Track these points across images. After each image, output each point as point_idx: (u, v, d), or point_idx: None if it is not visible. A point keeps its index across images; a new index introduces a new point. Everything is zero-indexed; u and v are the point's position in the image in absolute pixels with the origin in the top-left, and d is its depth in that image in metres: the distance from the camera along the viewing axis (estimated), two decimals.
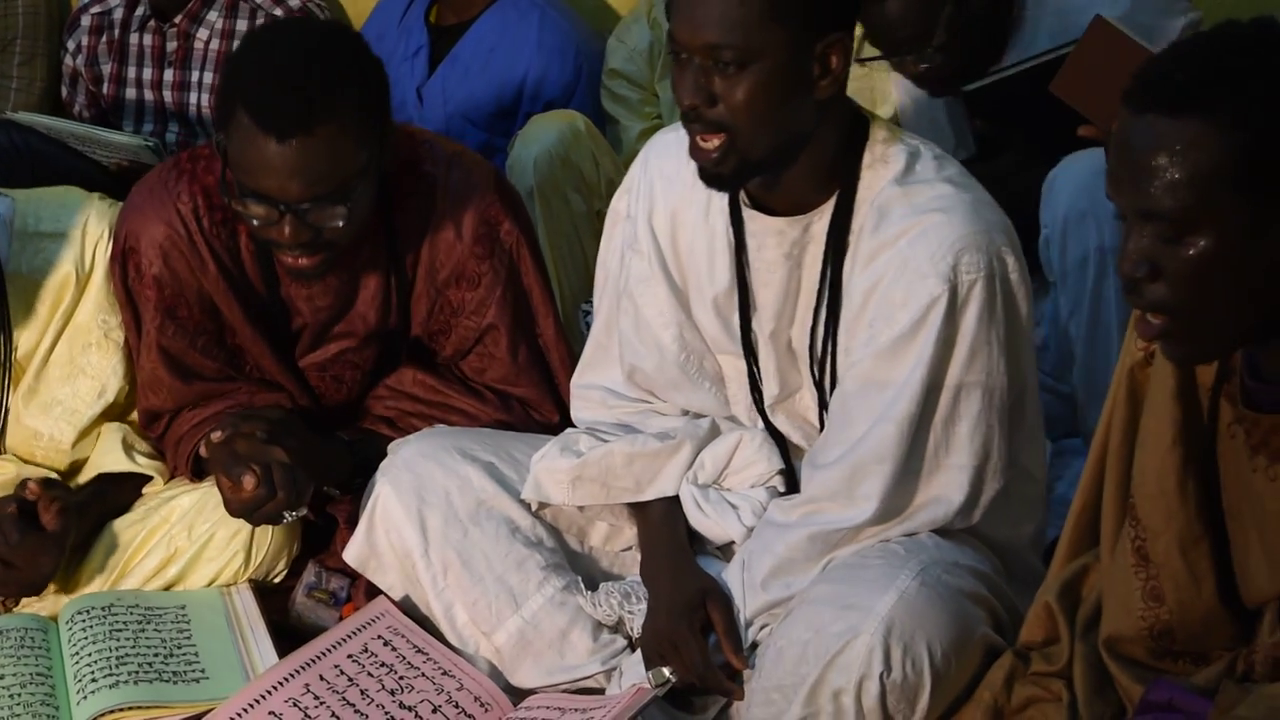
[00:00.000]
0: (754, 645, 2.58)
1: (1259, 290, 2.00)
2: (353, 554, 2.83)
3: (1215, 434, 2.16)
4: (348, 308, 2.97)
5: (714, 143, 2.45)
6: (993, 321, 2.49)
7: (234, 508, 2.81)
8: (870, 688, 2.39)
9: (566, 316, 3.59)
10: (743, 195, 2.61)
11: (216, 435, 2.83)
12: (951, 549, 2.55)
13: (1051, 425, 3.31)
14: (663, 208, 2.70)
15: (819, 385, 2.63)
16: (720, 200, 2.62)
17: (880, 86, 3.76)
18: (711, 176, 2.50)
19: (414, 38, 4.01)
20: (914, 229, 2.49)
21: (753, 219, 2.60)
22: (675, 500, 2.74)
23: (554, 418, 2.98)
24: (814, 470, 2.59)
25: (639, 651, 2.67)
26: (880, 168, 2.54)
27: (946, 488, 2.54)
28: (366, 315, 2.98)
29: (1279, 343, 2.05)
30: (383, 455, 2.85)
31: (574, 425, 2.89)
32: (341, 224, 2.74)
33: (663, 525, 2.73)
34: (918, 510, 2.55)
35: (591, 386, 2.85)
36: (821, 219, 2.56)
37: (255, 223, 2.75)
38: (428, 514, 2.76)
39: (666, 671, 2.57)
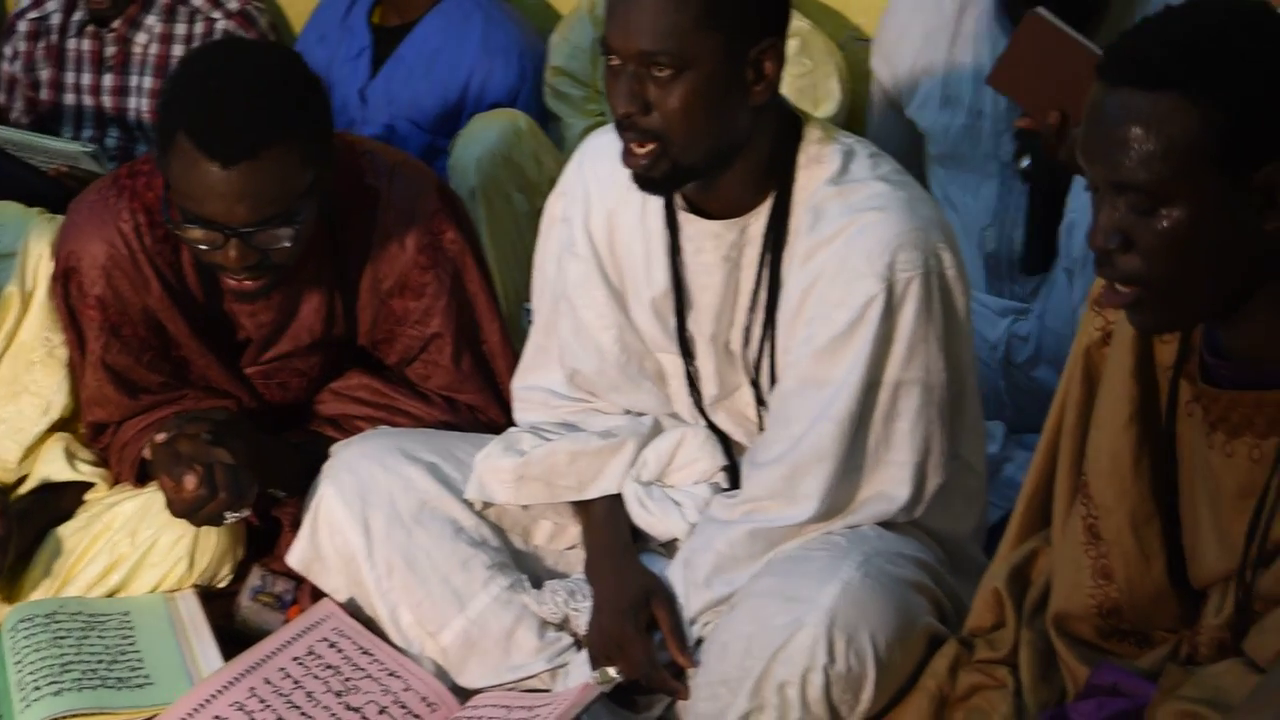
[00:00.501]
0: (698, 641, 2.57)
1: (1229, 263, 2.01)
2: (296, 557, 2.81)
3: (1175, 413, 2.17)
4: (290, 321, 2.96)
5: (648, 149, 2.45)
6: (930, 319, 2.50)
7: (176, 508, 2.79)
8: (815, 679, 2.39)
9: (511, 315, 3.58)
10: (678, 199, 2.60)
11: (160, 436, 2.82)
12: (894, 540, 2.55)
13: (1016, 419, 3.33)
14: (599, 210, 2.69)
15: (756, 384, 2.63)
16: (656, 202, 2.62)
17: (823, 84, 3.77)
18: (645, 182, 2.49)
19: (357, 39, 4.00)
20: (850, 228, 2.49)
21: (689, 222, 2.60)
22: (619, 498, 2.73)
23: (501, 419, 2.97)
24: (754, 469, 2.59)
25: (585, 649, 2.66)
26: (815, 168, 2.54)
27: (889, 484, 2.54)
28: (311, 327, 2.97)
29: (1241, 318, 2.06)
30: (329, 457, 2.84)
31: (513, 390, 2.88)
32: (288, 245, 2.72)
33: (606, 524, 2.72)
34: (861, 506, 2.55)
35: (533, 388, 2.84)
36: (758, 220, 2.56)
37: (201, 248, 2.73)
38: (371, 515, 2.75)
39: (612, 671, 2.57)
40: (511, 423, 2.91)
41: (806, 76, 3.72)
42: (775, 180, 2.55)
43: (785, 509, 2.53)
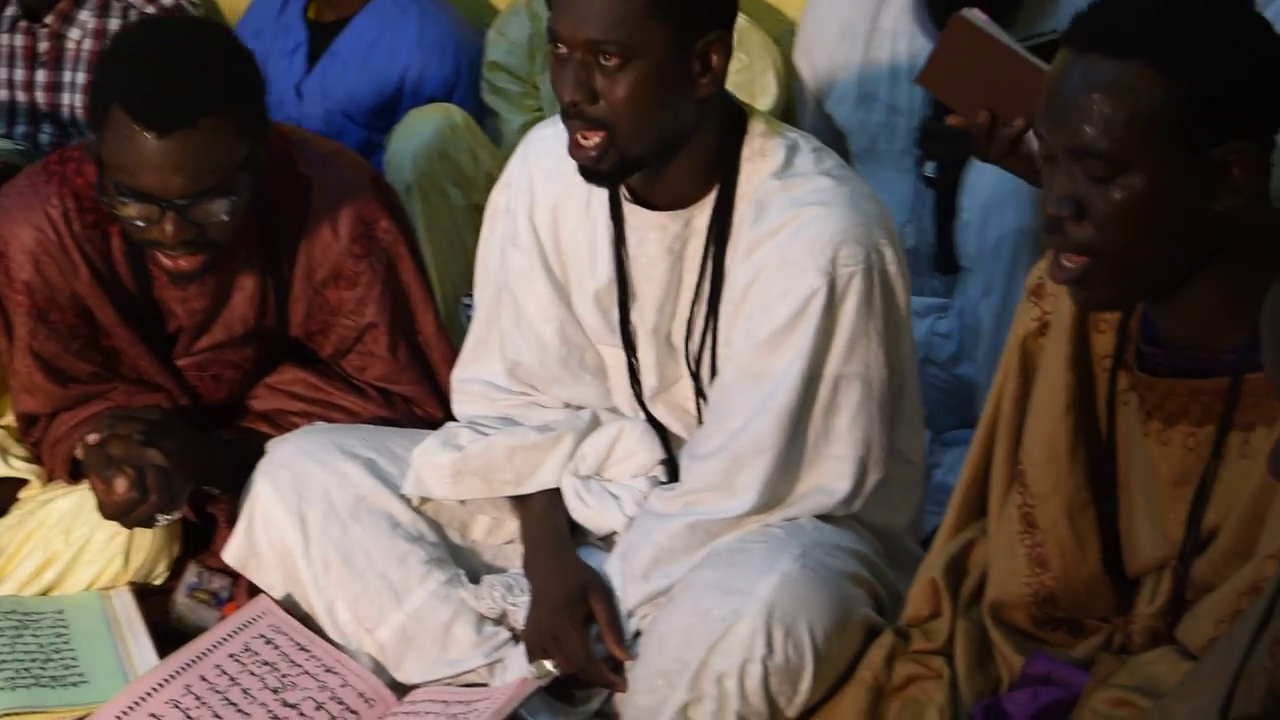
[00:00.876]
0: (636, 634, 2.58)
1: (1179, 239, 2.02)
2: (232, 553, 2.80)
3: (1115, 402, 2.18)
4: (222, 308, 2.95)
5: (594, 140, 2.45)
6: (871, 313, 2.51)
7: (107, 511, 2.78)
8: (753, 670, 2.40)
9: (448, 311, 3.57)
10: (623, 190, 2.60)
11: (92, 437, 2.80)
12: (832, 532, 2.56)
13: (940, 418, 3.35)
14: (543, 202, 2.69)
15: (696, 376, 2.64)
16: (600, 194, 2.62)
17: (760, 79, 3.77)
18: (591, 173, 2.49)
19: (292, 34, 3.98)
20: (793, 222, 2.50)
21: (633, 214, 2.60)
22: (557, 492, 2.73)
23: (437, 413, 2.96)
24: (693, 461, 2.59)
25: (522, 644, 2.66)
26: (760, 161, 2.55)
27: (828, 477, 2.55)
28: (244, 316, 2.95)
29: (1180, 303, 2.08)
30: (264, 454, 2.83)
31: (452, 383, 2.87)
32: (225, 219, 2.71)
33: (544, 518, 2.72)
34: (800, 499, 2.56)
35: (472, 380, 2.84)
36: (702, 213, 2.57)
37: (137, 224, 2.71)
38: (307, 511, 2.74)
39: (549, 664, 2.57)
40: (449, 416, 2.90)
41: (743, 72, 3.72)
42: (720, 173, 2.55)
43: (724, 501, 2.54)
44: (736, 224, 2.55)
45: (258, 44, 3.99)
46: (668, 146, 2.49)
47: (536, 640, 2.61)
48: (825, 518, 2.58)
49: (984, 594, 2.33)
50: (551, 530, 2.70)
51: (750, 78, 3.73)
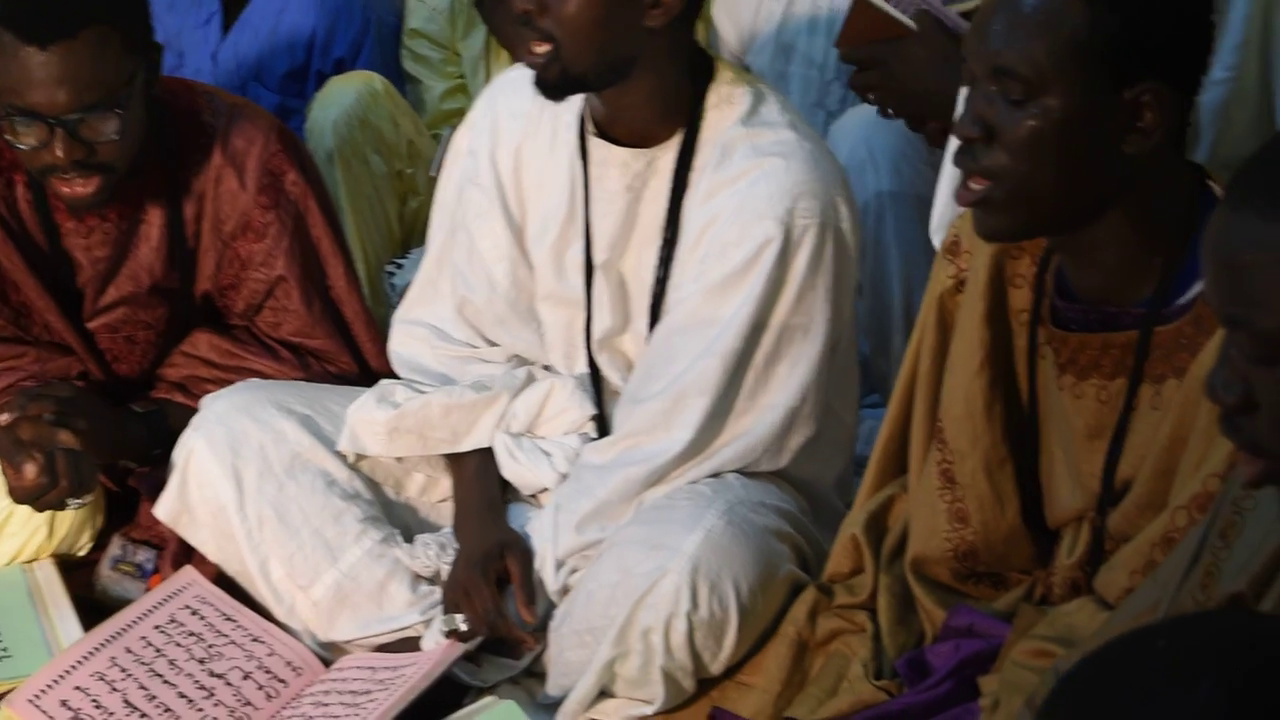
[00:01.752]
0: (565, 590, 2.58)
1: (1085, 173, 2.03)
2: (164, 509, 2.78)
3: (1035, 357, 2.20)
4: (126, 257, 2.93)
5: (541, 50, 2.49)
6: (821, 268, 2.53)
7: (16, 496, 2.77)
8: (678, 625, 2.42)
9: (371, 278, 3.56)
10: (589, 124, 2.63)
11: (3, 418, 2.78)
12: (757, 489, 2.57)
13: None
14: (506, 143, 2.72)
15: (654, 317, 2.64)
16: (567, 133, 2.65)
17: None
18: (539, 83, 2.53)
19: (205, 5, 3.95)
20: (754, 170, 2.53)
21: (597, 147, 2.63)
22: (490, 452, 2.73)
23: (353, 369, 2.95)
24: (634, 405, 2.61)
25: None
26: (726, 107, 2.58)
27: (757, 424, 2.57)
28: (151, 267, 2.93)
29: (1087, 253, 2.09)
30: (179, 425, 2.81)
31: (376, 377, 2.87)
32: (116, 138, 2.71)
33: (476, 479, 2.73)
34: (727, 445, 2.57)
35: (418, 323, 2.84)
36: (666, 154, 2.59)
37: (25, 146, 2.71)
38: (242, 468, 2.73)
39: (459, 619, 2.57)
40: (364, 372, 2.91)
41: None
42: (684, 116, 2.58)
43: (660, 441, 2.55)
44: (699, 167, 2.57)
45: (171, 17, 3.98)
46: (613, 69, 2.51)
47: (449, 594, 2.63)
48: (751, 474, 2.59)
49: (905, 549, 2.35)
50: (482, 491, 2.71)
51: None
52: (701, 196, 2.56)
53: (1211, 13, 2.06)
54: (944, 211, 2.57)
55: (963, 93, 2.12)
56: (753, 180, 2.53)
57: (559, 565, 2.59)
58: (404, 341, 2.85)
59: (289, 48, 3.85)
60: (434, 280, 2.83)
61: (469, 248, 2.75)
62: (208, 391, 2.89)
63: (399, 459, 2.78)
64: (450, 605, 2.62)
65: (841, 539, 2.43)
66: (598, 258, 2.66)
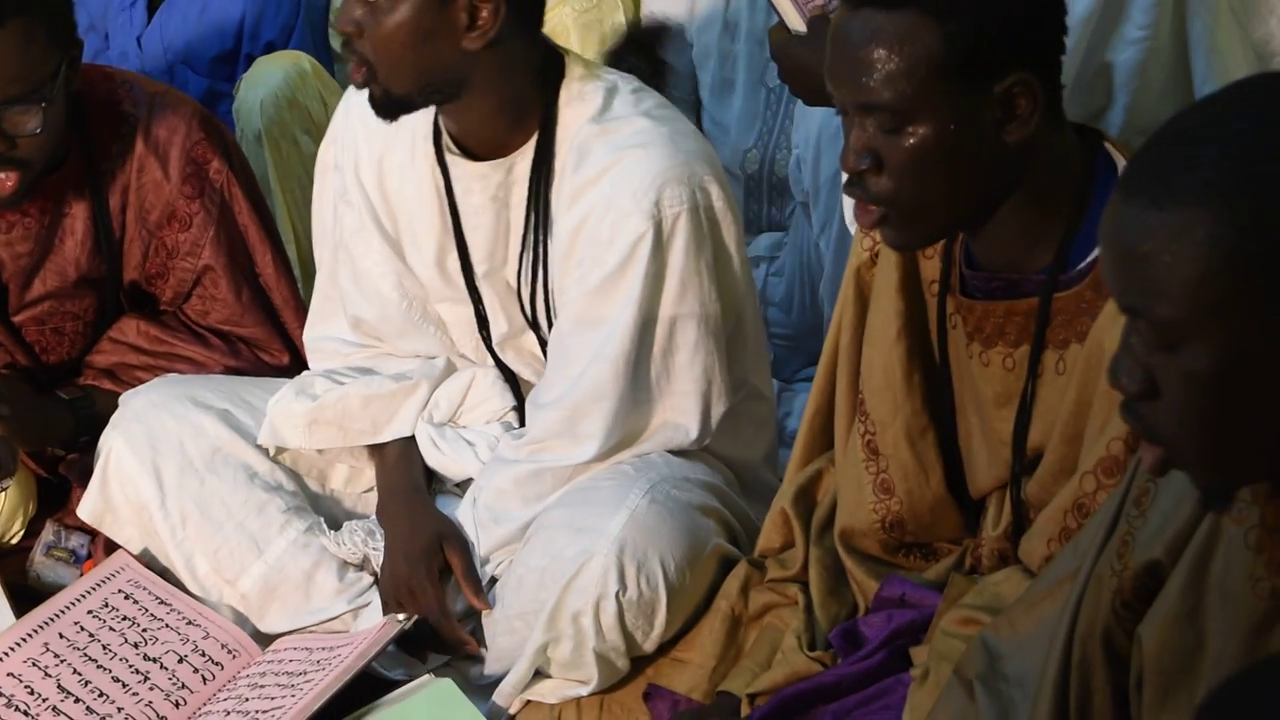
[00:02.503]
0: (493, 580, 2.59)
1: (974, 176, 2.04)
2: (87, 510, 2.77)
3: (945, 326, 2.21)
4: (51, 252, 2.91)
5: (361, 73, 2.49)
6: (700, 252, 2.51)
7: None
8: (608, 607, 2.42)
9: (303, 260, 3.54)
10: (446, 140, 2.61)
11: None
12: (682, 465, 2.58)
13: (785, 362, 3.38)
14: (368, 156, 2.69)
15: (534, 325, 2.64)
16: (425, 145, 2.62)
17: (609, 18, 3.76)
18: (370, 103, 2.52)
19: None
20: (615, 167, 2.50)
21: (455, 164, 2.61)
22: (412, 440, 2.73)
23: (283, 358, 2.95)
24: (537, 410, 2.60)
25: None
26: (578, 105, 2.55)
27: (675, 413, 2.57)
28: (77, 260, 2.91)
29: (991, 229, 2.10)
30: (107, 411, 2.80)
31: (307, 364, 2.86)
32: (38, 132, 2.69)
33: (398, 466, 2.72)
34: (650, 437, 2.57)
35: (324, 338, 2.83)
36: (523, 161, 2.57)
37: None
38: (162, 465, 2.72)
39: (401, 618, 2.57)
40: (295, 360, 2.90)
41: (592, 11, 3.71)
42: (538, 119, 2.55)
43: (568, 449, 2.55)
44: (558, 170, 2.55)
45: (96, 0, 3.95)
46: (437, 90, 2.49)
47: (391, 591, 2.62)
48: (678, 452, 2.59)
49: (833, 526, 2.36)
50: (405, 477, 2.70)
51: (599, 17, 3.73)
52: (567, 200, 2.54)
53: None
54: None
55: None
56: (614, 177, 2.50)
57: (483, 562, 2.59)
58: (318, 360, 2.84)
59: (218, 31, 3.82)
60: (329, 295, 2.81)
61: (352, 267, 2.73)
62: (137, 378, 2.88)
63: (321, 450, 2.77)
64: (392, 604, 2.61)
65: (771, 514, 2.44)
66: (478, 269, 2.65)
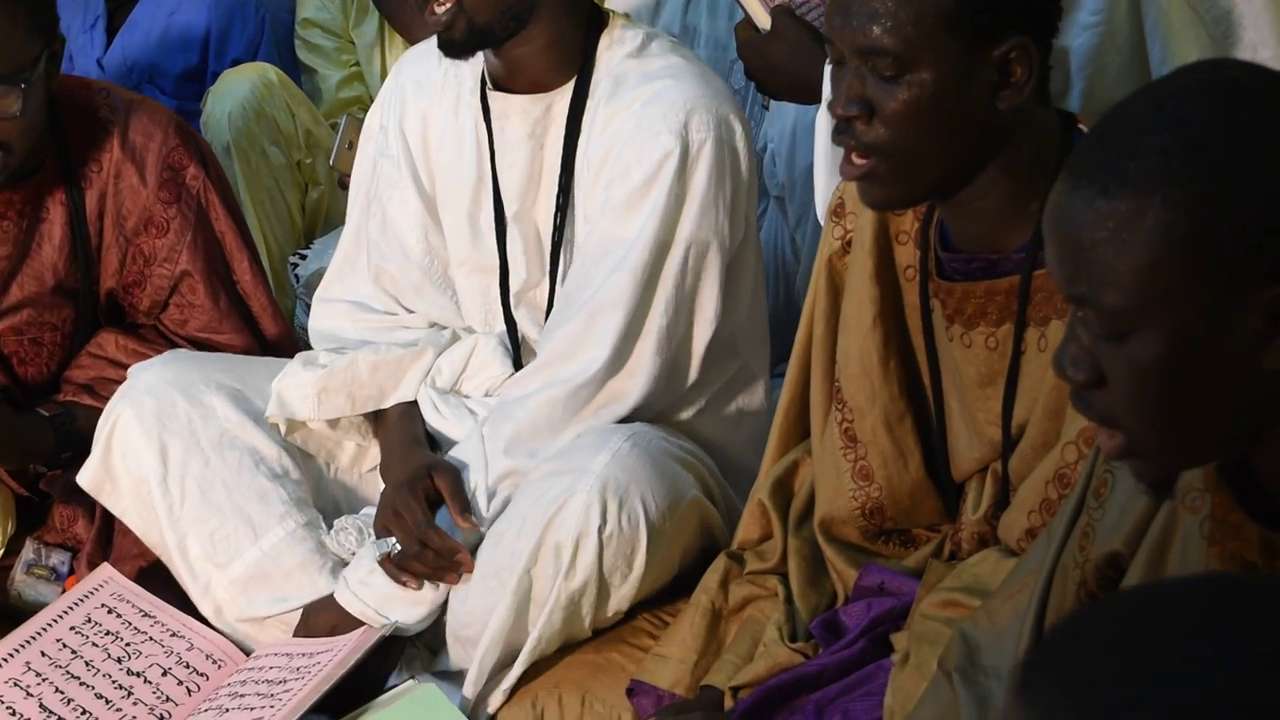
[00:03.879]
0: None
1: (963, 136, 2.05)
2: (87, 477, 2.74)
3: (929, 309, 2.22)
4: (29, 256, 2.91)
5: (445, 7, 2.54)
6: (721, 183, 2.57)
7: None
8: (587, 544, 2.44)
9: (275, 270, 3.55)
10: (488, 79, 2.68)
11: None
12: (665, 430, 2.60)
13: None
14: (414, 112, 2.76)
15: (554, 270, 2.67)
16: (469, 96, 2.70)
17: None
18: (445, 43, 2.58)
19: (91, 8, 3.93)
20: (647, 92, 2.59)
21: (497, 99, 2.68)
22: (414, 404, 2.76)
23: None
24: (552, 331, 2.62)
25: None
26: (617, 48, 2.64)
27: (674, 342, 2.59)
28: (55, 265, 2.91)
29: (968, 205, 2.11)
30: (88, 427, 2.79)
31: (317, 300, 2.90)
32: (17, 115, 2.70)
33: (400, 423, 2.75)
34: (641, 372, 2.58)
35: (337, 300, 2.86)
36: (562, 99, 2.64)
37: None
38: (169, 441, 2.70)
39: (391, 542, 2.56)
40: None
41: None
42: (578, 61, 2.63)
43: (579, 362, 2.57)
44: (592, 104, 2.62)
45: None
46: (516, 17, 2.57)
47: (380, 519, 2.62)
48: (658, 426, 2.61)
49: (813, 512, 2.36)
50: (405, 433, 2.73)
51: None
52: (599, 128, 2.61)
53: None
54: (826, 192, 2.60)
55: (828, 70, 2.13)
56: (646, 101, 2.58)
57: (491, 494, 2.58)
58: (323, 317, 2.87)
59: (182, 48, 3.83)
60: (351, 256, 2.86)
61: (382, 218, 2.79)
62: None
63: (331, 425, 2.78)
64: (381, 530, 2.60)
65: (749, 506, 2.44)
66: (509, 209, 2.69)
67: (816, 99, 2.70)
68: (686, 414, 2.66)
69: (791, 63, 2.78)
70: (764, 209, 3.44)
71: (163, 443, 2.70)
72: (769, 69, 2.82)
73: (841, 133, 2.07)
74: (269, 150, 3.64)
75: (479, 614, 2.52)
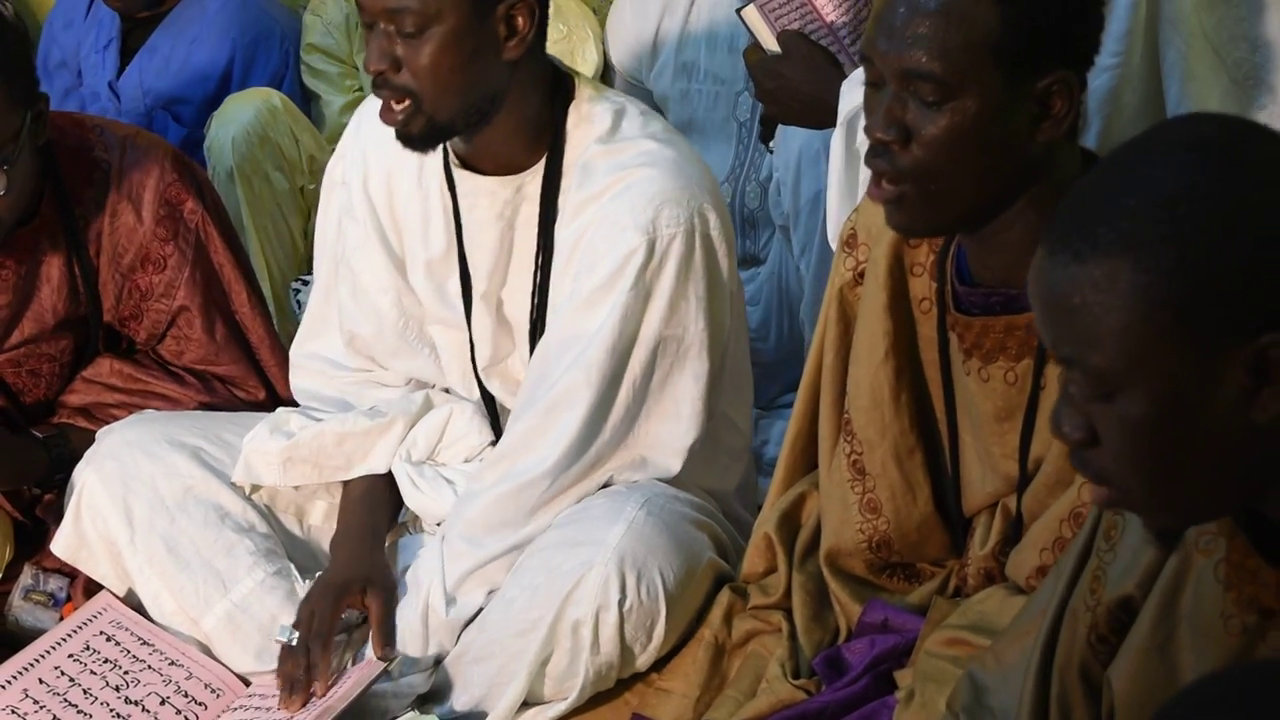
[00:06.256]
0: (468, 622, 2.56)
1: (999, 167, 2.04)
2: (61, 545, 2.75)
3: (948, 343, 2.21)
4: (29, 303, 2.90)
5: (403, 105, 2.46)
6: (691, 276, 2.51)
7: None
8: (608, 618, 2.42)
9: (276, 296, 3.54)
10: (453, 157, 2.60)
11: None
12: (669, 488, 2.57)
13: (762, 390, 3.37)
14: (377, 172, 2.69)
15: (534, 342, 2.63)
16: (433, 162, 2.62)
17: (580, 49, 3.78)
18: (405, 138, 2.49)
19: (104, 29, 3.92)
20: (617, 184, 2.51)
21: (464, 179, 2.60)
22: (381, 479, 2.72)
23: (259, 394, 2.94)
24: (511, 425, 2.60)
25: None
26: (586, 127, 2.55)
27: (647, 443, 2.55)
28: (54, 306, 2.91)
29: (993, 239, 2.10)
30: (82, 448, 2.78)
31: (283, 400, 2.85)
32: (3, 193, 2.68)
33: (359, 504, 2.71)
34: (619, 463, 2.56)
35: (312, 356, 2.82)
36: (533, 180, 2.57)
37: None
38: (133, 502, 2.70)
39: (289, 626, 2.56)
40: (271, 396, 2.89)
41: (563, 42, 3.72)
42: (547, 140, 2.56)
43: (533, 459, 2.53)
44: (564, 190, 2.55)
45: (68, 35, 3.94)
46: (478, 110, 2.49)
47: (299, 609, 2.60)
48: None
49: (819, 546, 2.35)
50: (363, 518, 2.70)
51: (570, 48, 3.74)
52: (568, 217, 2.54)
53: None
54: (838, 218, 2.59)
55: (850, 83, 2.12)
56: (616, 194, 2.51)
57: (450, 600, 2.57)
58: (300, 377, 2.84)
59: (201, 78, 3.83)
60: (322, 314, 2.81)
61: (352, 282, 2.73)
62: (112, 415, 2.88)
63: (297, 486, 2.76)
64: (297, 620, 2.59)
65: (754, 539, 2.44)
66: (477, 288, 2.65)
67: (830, 121, 2.69)
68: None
69: (805, 84, 2.76)
70: (769, 238, 3.43)
71: (127, 504, 2.70)
72: (782, 89, 2.80)
73: (877, 156, 2.05)
74: (272, 175, 3.63)
75: (480, 679, 2.50)
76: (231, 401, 2.93)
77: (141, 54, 3.87)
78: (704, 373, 2.55)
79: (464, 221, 2.62)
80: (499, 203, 2.58)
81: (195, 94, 3.84)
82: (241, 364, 2.95)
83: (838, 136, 2.63)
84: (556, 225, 2.56)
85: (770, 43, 2.80)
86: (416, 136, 2.48)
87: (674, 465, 2.58)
